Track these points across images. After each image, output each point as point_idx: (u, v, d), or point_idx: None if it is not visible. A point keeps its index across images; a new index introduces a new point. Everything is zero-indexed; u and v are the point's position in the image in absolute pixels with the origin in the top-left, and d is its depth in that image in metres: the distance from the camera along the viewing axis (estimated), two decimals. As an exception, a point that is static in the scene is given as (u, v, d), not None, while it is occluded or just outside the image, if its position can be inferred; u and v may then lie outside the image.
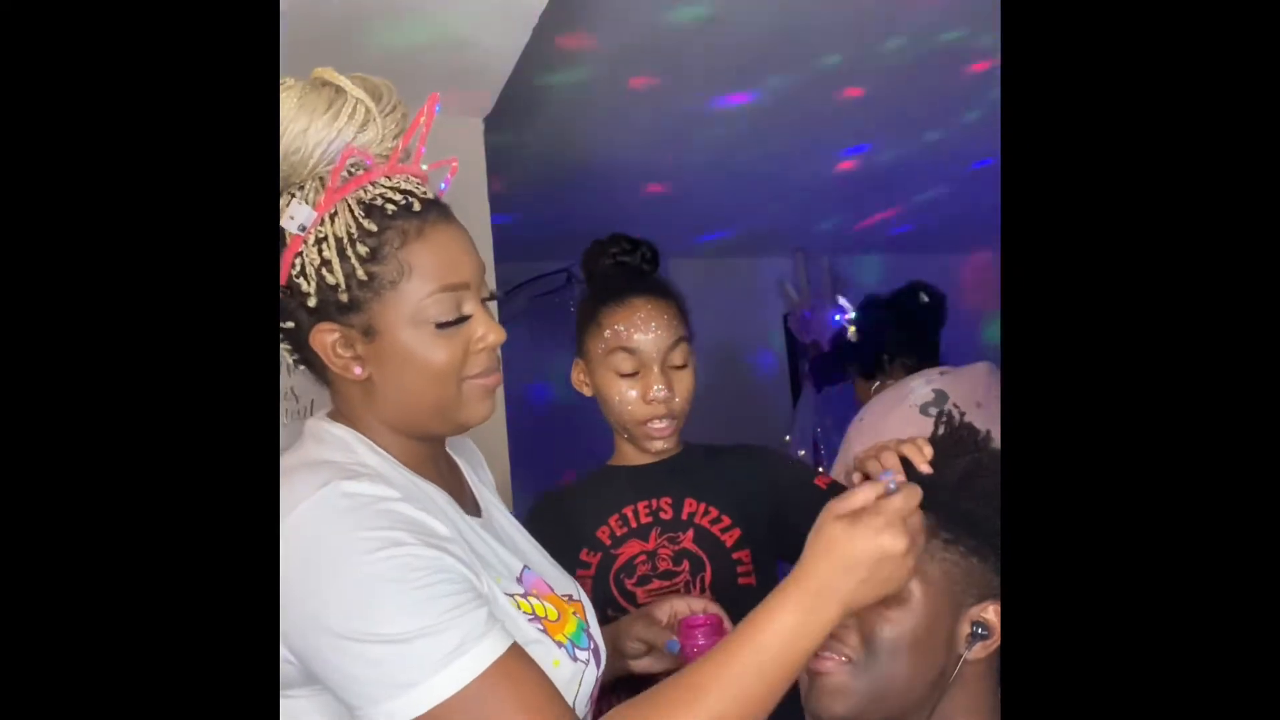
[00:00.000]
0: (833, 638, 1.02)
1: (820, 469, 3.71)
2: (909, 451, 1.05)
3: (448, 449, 1.15)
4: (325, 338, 0.99)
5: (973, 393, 2.25)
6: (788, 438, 3.81)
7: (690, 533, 1.48)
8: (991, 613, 1.02)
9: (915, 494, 0.95)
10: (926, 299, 2.61)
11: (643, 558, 1.49)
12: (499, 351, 1.05)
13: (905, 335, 2.60)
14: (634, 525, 1.52)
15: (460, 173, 1.10)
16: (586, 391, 1.54)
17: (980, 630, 1.01)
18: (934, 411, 2.10)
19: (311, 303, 0.97)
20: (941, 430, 1.09)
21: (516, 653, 0.93)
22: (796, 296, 4.01)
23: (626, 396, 1.48)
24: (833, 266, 4.11)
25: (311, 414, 1.11)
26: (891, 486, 0.95)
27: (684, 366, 1.50)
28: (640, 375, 1.47)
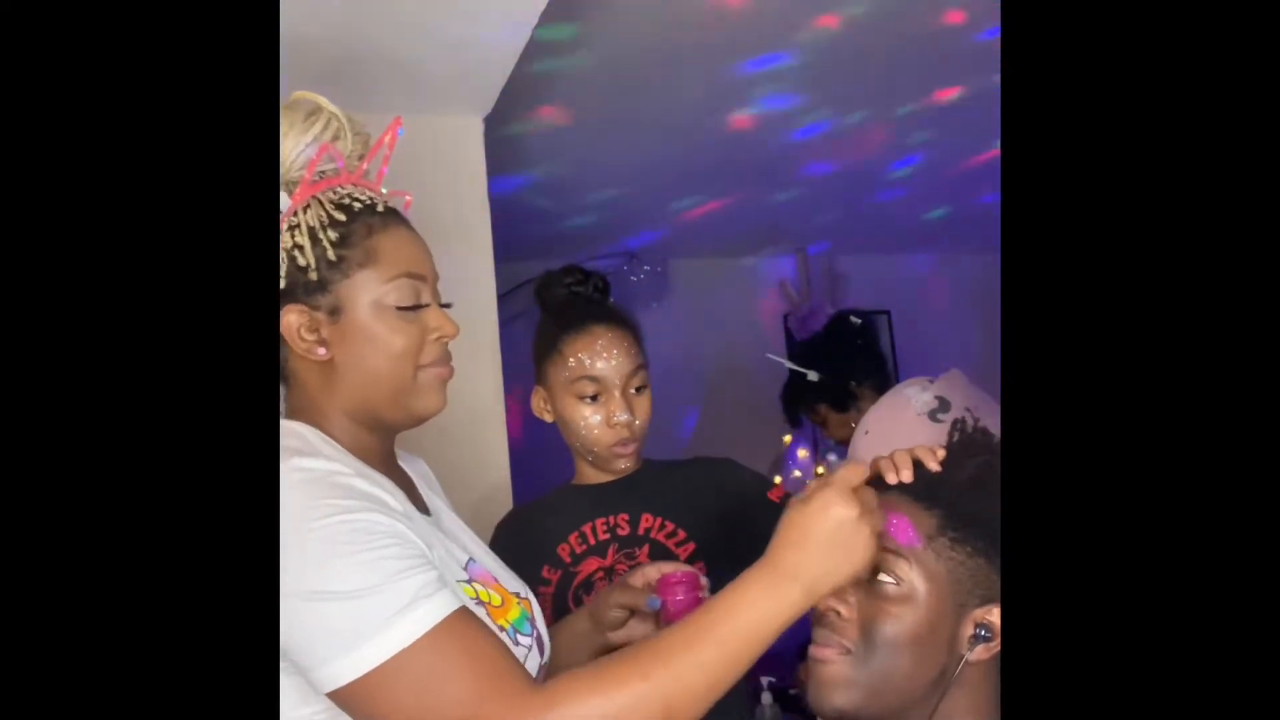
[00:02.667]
0: (832, 629, 1.02)
1: (820, 470, 3.72)
2: (922, 454, 1.06)
3: (400, 463, 1.19)
4: (292, 319, 1.05)
5: (971, 395, 2.25)
6: (787, 438, 3.81)
7: (646, 547, 1.52)
8: (996, 615, 1.01)
9: (859, 467, 0.98)
10: (858, 320, 2.71)
11: (600, 574, 1.53)
12: (450, 347, 1.12)
13: (863, 359, 2.69)
14: (592, 542, 1.56)
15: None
16: (548, 418, 1.59)
17: (983, 632, 1.01)
18: (942, 417, 2.11)
19: (280, 285, 1.04)
20: (956, 437, 1.10)
21: (467, 614, 0.95)
22: (796, 296, 4.01)
23: (591, 422, 1.53)
24: (832, 266, 4.11)
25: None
26: (832, 459, 0.99)
27: (643, 390, 1.55)
28: (602, 400, 1.52)
